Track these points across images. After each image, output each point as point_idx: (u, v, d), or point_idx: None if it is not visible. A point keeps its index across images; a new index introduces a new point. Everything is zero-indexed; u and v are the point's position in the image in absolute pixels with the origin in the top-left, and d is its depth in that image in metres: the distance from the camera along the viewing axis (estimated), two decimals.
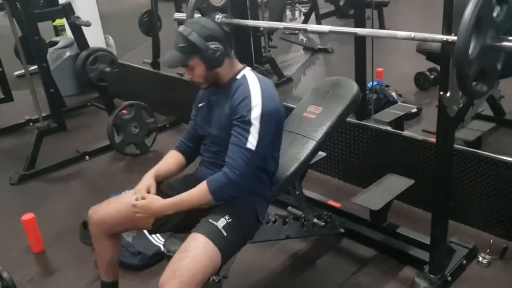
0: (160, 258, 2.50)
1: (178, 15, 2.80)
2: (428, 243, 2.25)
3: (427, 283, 2.21)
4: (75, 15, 3.72)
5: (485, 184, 2.52)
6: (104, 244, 2.04)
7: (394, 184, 2.57)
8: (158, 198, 1.85)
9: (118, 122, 3.80)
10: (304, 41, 6.14)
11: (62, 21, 5.87)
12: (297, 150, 2.22)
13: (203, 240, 1.70)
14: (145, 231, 2.71)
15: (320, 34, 6.62)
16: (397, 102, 3.94)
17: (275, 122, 1.83)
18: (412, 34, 1.87)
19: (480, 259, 2.39)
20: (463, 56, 1.59)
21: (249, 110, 1.77)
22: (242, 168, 1.77)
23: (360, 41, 3.19)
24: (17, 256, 2.79)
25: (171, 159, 2.07)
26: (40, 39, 3.72)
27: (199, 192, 1.80)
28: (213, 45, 1.78)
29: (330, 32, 2.16)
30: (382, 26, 5.96)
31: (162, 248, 2.49)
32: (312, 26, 2.15)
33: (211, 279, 2.00)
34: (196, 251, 1.67)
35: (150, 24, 5.37)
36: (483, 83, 1.68)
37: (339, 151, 3.14)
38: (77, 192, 3.50)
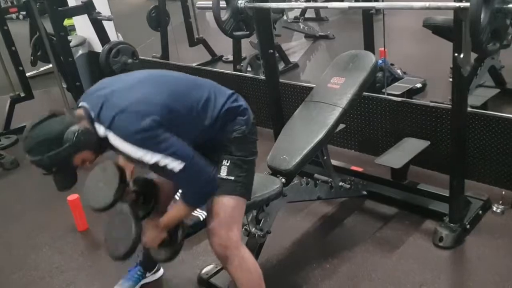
0: (200, 227, 2.67)
1: (202, 3, 2.97)
2: (447, 195, 2.48)
3: (448, 230, 2.44)
4: (96, 11, 3.92)
5: (494, 142, 2.74)
6: None
7: (411, 146, 2.80)
8: (153, 226, 1.90)
9: None
10: (306, 29, 6.33)
11: (72, 21, 6.06)
12: (324, 117, 2.44)
13: (220, 200, 1.83)
14: None
15: (320, 22, 6.85)
16: (402, 79, 4.16)
17: (156, 131, 1.63)
18: (427, 3, 2.09)
19: (494, 209, 2.63)
20: (476, 19, 1.81)
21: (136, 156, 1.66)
22: (193, 183, 1.75)
23: (368, 20, 3.42)
24: (64, 234, 3.00)
25: None
26: (65, 35, 3.91)
27: (179, 211, 1.86)
28: (69, 139, 1.64)
29: (350, 8, 2.39)
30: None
31: (201, 218, 2.74)
32: (332, 4, 2.36)
33: (256, 235, 2.25)
34: (220, 211, 1.83)
35: (158, 19, 5.56)
36: (495, 41, 1.91)
37: (356, 124, 3.36)
38: None
